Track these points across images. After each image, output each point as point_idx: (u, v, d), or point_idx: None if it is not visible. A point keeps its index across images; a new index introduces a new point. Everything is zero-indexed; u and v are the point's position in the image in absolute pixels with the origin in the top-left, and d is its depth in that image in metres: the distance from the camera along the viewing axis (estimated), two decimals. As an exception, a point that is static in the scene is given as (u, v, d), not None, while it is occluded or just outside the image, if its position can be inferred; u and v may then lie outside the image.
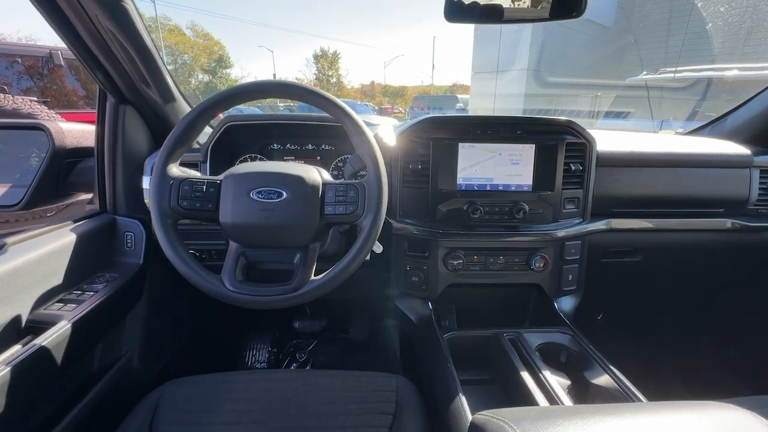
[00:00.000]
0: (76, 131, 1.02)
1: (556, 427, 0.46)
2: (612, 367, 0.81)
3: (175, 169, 0.75)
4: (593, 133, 1.04)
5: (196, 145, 1.02)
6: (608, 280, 1.23)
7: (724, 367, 1.40)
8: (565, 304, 1.08)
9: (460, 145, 0.99)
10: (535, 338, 0.92)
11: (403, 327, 1.11)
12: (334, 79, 40.24)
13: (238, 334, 1.56)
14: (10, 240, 0.77)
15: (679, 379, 1.48)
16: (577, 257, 1.06)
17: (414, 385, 0.84)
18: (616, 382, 0.77)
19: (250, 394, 0.80)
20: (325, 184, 0.76)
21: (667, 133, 1.49)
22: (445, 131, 1.00)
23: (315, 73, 39.66)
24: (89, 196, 1.10)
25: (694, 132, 1.38)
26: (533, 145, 1.00)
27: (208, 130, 1.11)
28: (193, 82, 32.69)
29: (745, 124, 1.20)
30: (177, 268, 0.72)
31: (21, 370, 0.63)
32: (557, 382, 0.76)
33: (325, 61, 38.32)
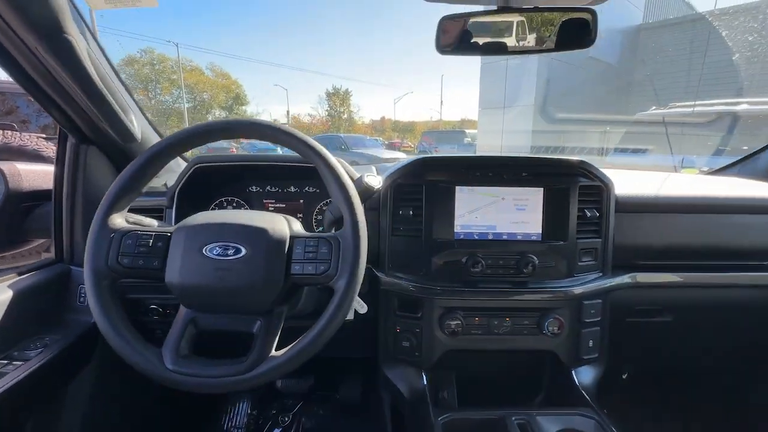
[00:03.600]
0: (37, 172, 0.94)
1: None
2: None
3: (120, 220, 0.65)
4: (610, 173, 0.92)
5: (163, 189, 0.92)
6: (636, 343, 1.06)
7: None
8: (586, 375, 0.90)
9: (458, 188, 0.88)
10: (550, 424, 0.75)
11: (393, 399, 0.95)
12: (346, 116, 41.45)
13: (213, 394, 1.39)
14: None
15: None
16: (598, 319, 0.90)
17: None
18: None
19: None
20: (293, 237, 0.65)
21: (690, 172, 1.36)
22: (440, 173, 0.89)
23: (327, 110, 40.98)
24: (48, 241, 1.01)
25: (722, 171, 1.25)
26: (541, 189, 0.88)
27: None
28: (210, 118, 34.07)
29: None
30: (108, 340, 0.59)
31: None
32: None
33: (337, 98, 39.68)
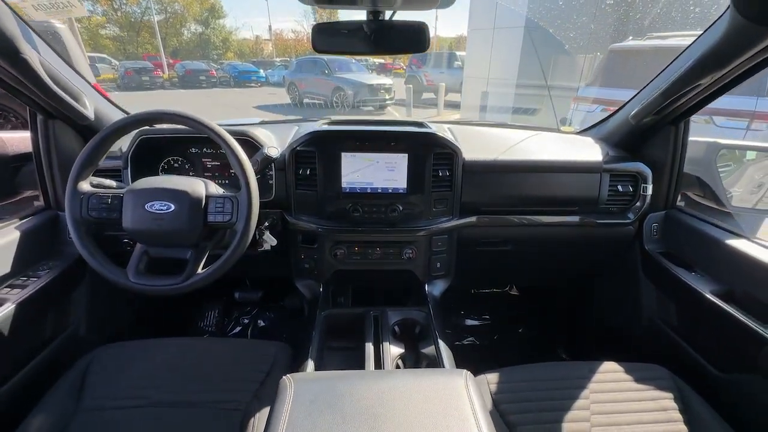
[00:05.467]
0: (19, 138, 1.19)
1: (320, 385, 0.69)
2: (439, 340, 1.04)
3: (85, 185, 0.94)
4: (483, 132, 1.25)
5: (118, 153, 1.19)
6: (486, 265, 1.44)
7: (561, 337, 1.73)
8: (437, 286, 1.30)
9: (343, 154, 1.16)
10: (395, 315, 1.14)
11: (302, 302, 1.35)
12: (334, 32, 38.35)
13: (190, 305, 1.81)
14: (-38, 239, 0.97)
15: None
16: (444, 248, 1.26)
17: (292, 351, 1.08)
18: (436, 351, 1.01)
19: (162, 357, 1.03)
20: (208, 196, 0.95)
21: (567, 129, 1.63)
22: (330, 143, 1.16)
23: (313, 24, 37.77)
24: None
25: (584, 131, 1.53)
26: (406, 155, 1.16)
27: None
28: (186, 33, 31.48)
29: (615, 130, 1.34)
30: (90, 265, 0.93)
31: None
32: (390, 352, 1.00)
33: (325, 12, 36.31)
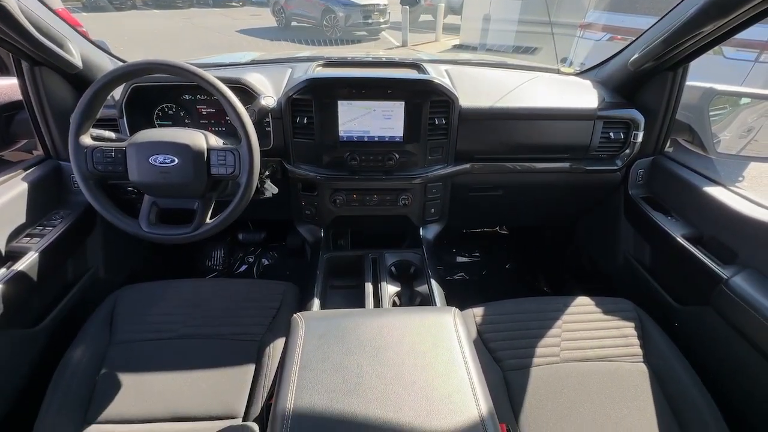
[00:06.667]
0: (6, 86, 1.16)
1: (327, 322, 0.79)
2: (432, 280, 1.14)
3: (87, 139, 0.95)
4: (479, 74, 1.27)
5: (111, 102, 1.17)
6: (476, 208, 1.52)
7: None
8: (430, 230, 1.38)
9: (339, 102, 1.15)
10: (391, 257, 1.24)
11: (304, 243, 1.44)
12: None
13: (197, 244, 1.90)
14: (-26, 193, 1.01)
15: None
16: (439, 195, 1.32)
17: (298, 290, 1.19)
18: (429, 289, 1.12)
19: (180, 296, 1.14)
20: (209, 149, 0.97)
21: (567, 71, 1.59)
22: (326, 90, 1.15)
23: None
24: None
25: (583, 73, 1.50)
26: (403, 102, 1.16)
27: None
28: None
29: (612, 74, 1.33)
30: (103, 216, 0.98)
31: (7, 286, 0.93)
32: (387, 290, 1.11)
33: None
